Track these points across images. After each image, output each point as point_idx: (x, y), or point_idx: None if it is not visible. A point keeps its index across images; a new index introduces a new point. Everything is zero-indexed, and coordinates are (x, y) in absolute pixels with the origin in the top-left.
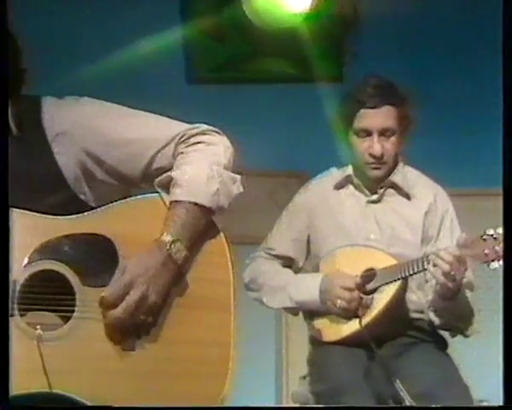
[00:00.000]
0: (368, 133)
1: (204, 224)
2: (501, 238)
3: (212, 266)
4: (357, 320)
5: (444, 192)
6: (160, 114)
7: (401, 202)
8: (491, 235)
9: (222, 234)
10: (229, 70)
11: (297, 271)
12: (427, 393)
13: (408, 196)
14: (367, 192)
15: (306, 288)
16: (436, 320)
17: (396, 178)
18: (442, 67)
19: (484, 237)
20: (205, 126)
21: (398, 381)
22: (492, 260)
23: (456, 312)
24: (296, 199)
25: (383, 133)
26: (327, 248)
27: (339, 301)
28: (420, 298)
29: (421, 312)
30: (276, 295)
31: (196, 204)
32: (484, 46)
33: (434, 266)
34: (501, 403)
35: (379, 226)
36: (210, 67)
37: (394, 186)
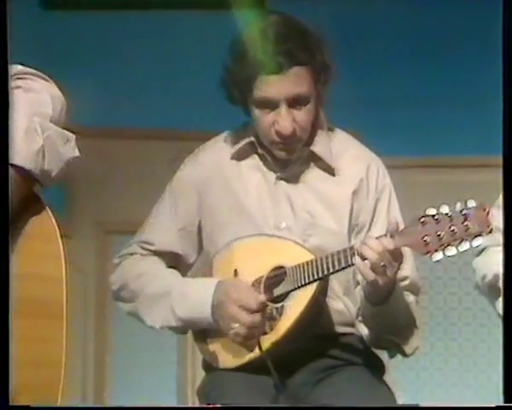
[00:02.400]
0: (273, 104)
1: (24, 195)
2: (447, 220)
3: (35, 257)
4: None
5: (380, 163)
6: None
7: (322, 179)
8: (433, 216)
9: (48, 210)
10: None
11: (187, 271)
12: None
13: (331, 171)
14: (275, 166)
15: (195, 300)
16: (367, 335)
17: (315, 147)
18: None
19: (422, 220)
20: (20, 67)
21: None
22: (435, 250)
23: (388, 321)
24: (181, 174)
25: (293, 102)
26: (223, 240)
27: (235, 327)
28: (348, 307)
29: (350, 325)
30: (156, 308)
31: (11, 165)
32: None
33: (363, 259)
34: (501, 403)
35: (293, 211)
36: None
37: (313, 158)
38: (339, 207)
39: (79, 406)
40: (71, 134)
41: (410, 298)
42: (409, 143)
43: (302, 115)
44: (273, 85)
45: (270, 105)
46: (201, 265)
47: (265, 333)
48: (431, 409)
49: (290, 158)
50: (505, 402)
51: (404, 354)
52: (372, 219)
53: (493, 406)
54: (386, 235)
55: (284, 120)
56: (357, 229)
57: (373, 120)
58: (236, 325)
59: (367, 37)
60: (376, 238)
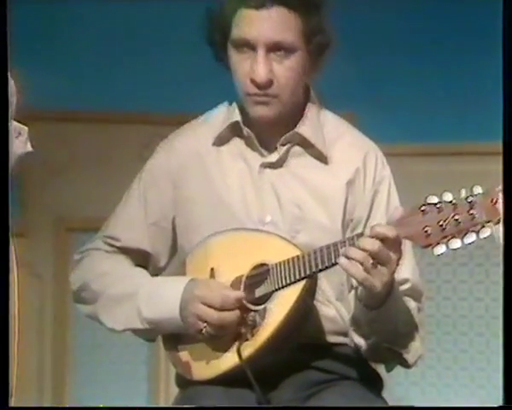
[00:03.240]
0: (251, 47)
1: None
2: (450, 209)
3: None
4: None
5: (379, 152)
6: None
7: (313, 168)
8: (435, 205)
9: None
10: None
11: (157, 273)
12: None
13: (324, 159)
14: (262, 151)
15: (164, 300)
16: (362, 345)
17: (305, 129)
18: None
19: (423, 209)
20: None
21: None
22: (438, 243)
23: (387, 327)
24: (154, 162)
25: (273, 49)
26: (200, 237)
27: (202, 326)
28: (341, 313)
29: (343, 334)
30: (120, 309)
31: None
32: None
33: (349, 257)
34: (501, 403)
35: (279, 203)
36: None
37: (303, 142)
38: (331, 200)
39: (80, 406)
40: (23, 127)
41: (412, 304)
42: (409, 129)
43: (282, 70)
44: (252, 24)
45: (248, 48)
46: (175, 269)
47: (246, 340)
48: (435, 409)
49: (276, 139)
50: (505, 403)
51: (407, 365)
52: (369, 214)
53: (494, 406)
54: (383, 224)
55: (259, 66)
56: (352, 225)
57: (369, 102)
58: (204, 324)
59: (367, 11)
60: (370, 230)
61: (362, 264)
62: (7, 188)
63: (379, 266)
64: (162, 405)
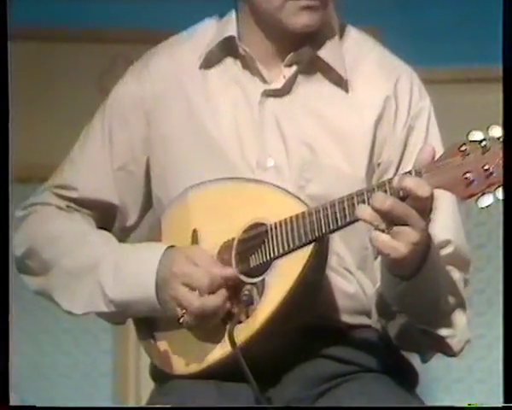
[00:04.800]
0: None
1: None
2: (498, 148)
3: None
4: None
5: (415, 76)
6: None
7: (330, 98)
8: (480, 143)
9: None
10: None
11: (126, 235)
12: None
13: (344, 86)
14: (263, 74)
15: (133, 277)
16: (391, 326)
17: (318, 46)
18: None
19: (464, 148)
20: None
21: None
22: (482, 193)
23: (423, 303)
24: (121, 90)
25: None
26: (180, 187)
27: (180, 314)
28: (363, 287)
29: (366, 314)
30: (78, 286)
31: None
32: None
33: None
34: (501, 403)
35: (284, 143)
36: None
37: (315, 63)
38: (353, 139)
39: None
40: None
41: (456, 275)
42: (450, 49)
43: None
44: None
45: None
46: (149, 230)
47: (240, 322)
48: (434, 409)
49: (282, 61)
50: (505, 403)
51: (450, 352)
52: (401, 157)
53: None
54: (410, 172)
55: None
56: (380, 171)
57: (396, 15)
58: (182, 311)
59: None
60: (396, 179)
61: (375, 226)
62: (7, 186)
63: (401, 227)
64: (131, 404)
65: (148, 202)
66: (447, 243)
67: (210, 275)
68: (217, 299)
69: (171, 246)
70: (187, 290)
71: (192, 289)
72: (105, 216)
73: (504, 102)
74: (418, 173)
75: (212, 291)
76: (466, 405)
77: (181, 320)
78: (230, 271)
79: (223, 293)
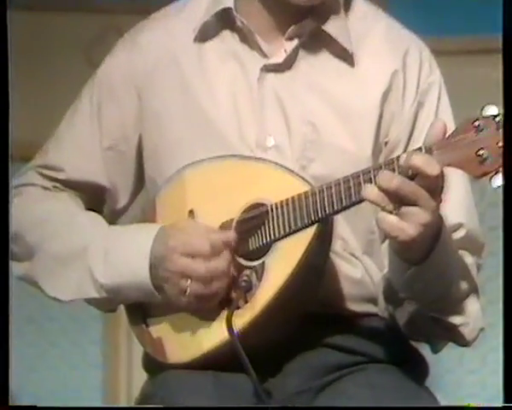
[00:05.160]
0: None
1: None
2: None
3: None
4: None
5: (424, 48)
6: None
7: (333, 72)
8: (494, 118)
9: None
10: None
11: (115, 217)
12: None
13: (349, 60)
14: (263, 48)
15: (125, 259)
16: (399, 314)
17: (321, 18)
18: None
19: (477, 123)
20: None
21: None
22: (496, 171)
23: (434, 289)
24: (110, 64)
25: None
26: (175, 166)
27: (185, 287)
28: (369, 273)
29: (373, 301)
30: (65, 271)
31: None
32: None
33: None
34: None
35: (286, 121)
36: None
37: (318, 36)
38: (359, 117)
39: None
40: None
41: (469, 259)
42: (463, 17)
43: None
44: None
45: None
46: (141, 212)
47: (238, 307)
48: (433, 409)
49: (282, 34)
50: (505, 403)
51: (463, 342)
52: (410, 135)
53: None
54: (420, 149)
55: None
56: (387, 150)
57: None
58: (187, 282)
59: None
60: (406, 157)
61: (382, 207)
62: (7, 185)
63: (410, 207)
64: (123, 398)
65: (139, 183)
66: (459, 225)
67: (210, 240)
68: (222, 261)
69: (164, 226)
70: (189, 260)
71: (193, 257)
72: (94, 198)
73: (504, 75)
74: (428, 150)
75: (214, 255)
76: (466, 405)
77: (187, 292)
78: (230, 234)
79: (226, 255)
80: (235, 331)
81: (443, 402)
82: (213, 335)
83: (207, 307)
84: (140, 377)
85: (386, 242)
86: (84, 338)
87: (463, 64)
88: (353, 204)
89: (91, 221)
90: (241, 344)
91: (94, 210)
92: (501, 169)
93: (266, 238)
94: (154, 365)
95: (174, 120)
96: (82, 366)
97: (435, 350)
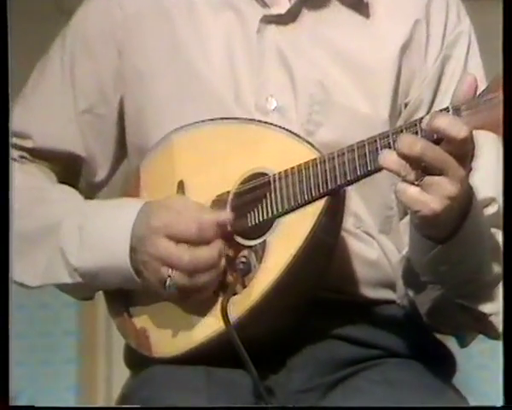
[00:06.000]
0: None
1: None
2: None
3: None
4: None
5: None
6: None
7: (344, 24)
8: None
9: None
10: None
11: (93, 191)
12: None
13: (363, 9)
14: None
15: (102, 239)
16: (421, 301)
17: None
18: None
19: None
20: None
21: None
22: None
23: (462, 272)
24: (86, 14)
25: None
26: (161, 131)
27: (166, 275)
28: (387, 253)
29: (390, 286)
30: (34, 252)
31: None
32: None
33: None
34: (501, 403)
35: (290, 79)
36: None
37: None
38: (374, 75)
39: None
40: None
41: (501, 239)
42: None
43: None
44: None
45: None
46: (124, 182)
47: (235, 293)
48: (432, 409)
49: None
50: (505, 403)
51: (495, 334)
52: (435, 95)
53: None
54: (447, 109)
55: None
56: (408, 113)
57: None
58: (168, 271)
59: None
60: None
61: (402, 177)
62: (7, 183)
63: (434, 177)
64: (101, 398)
65: (121, 152)
66: (491, 200)
67: (198, 222)
68: (211, 251)
69: (150, 202)
70: (172, 244)
71: (178, 241)
72: (68, 170)
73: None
74: (456, 111)
75: (203, 242)
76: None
77: (168, 283)
78: (224, 214)
79: (218, 243)
80: (232, 321)
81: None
82: (206, 325)
83: (194, 301)
84: (121, 373)
85: (407, 217)
86: (56, 329)
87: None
88: (369, 174)
89: (64, 196)
90: (239, 335)
91: (68, 184)
92: None
93: (268, 213)
94: (138, 359)
95: (160, 79)
96: (53, 361)
97: (463, 344)
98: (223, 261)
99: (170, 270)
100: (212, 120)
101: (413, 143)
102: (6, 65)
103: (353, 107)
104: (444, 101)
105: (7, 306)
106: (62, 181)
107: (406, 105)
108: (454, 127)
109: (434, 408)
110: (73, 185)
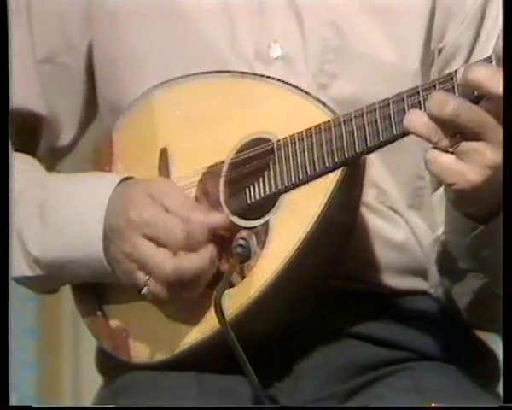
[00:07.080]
0: None
1: None
2: None
3: None
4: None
5: None
6: None
7: None
8: None
9: None
10: None
11: (57, 159)
12: None
13: None
14: None
15: (70, 221)
16: (459, 292)
17: None
18: None
19: None
20: None
21: None
22: None
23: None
24: None
25: None
26: (140, 86)
27: (143, 282)
28: (416, 234)
29: (421, 274)
30: None
31: None
32: None
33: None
34: (501, 403)
35: (298, 22)
36: None
37: None
38: (401, 15)
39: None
40: None
41: None
42: None
43: None
44: None
45: None
46: (94, 150)
47: (232, 285)
48: (431, 409)
49: None
50: (505, 403)
51: None
52: (476, 39)
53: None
54: (490, 59)
55: None
56: (442, 60)
57: None
58: (145, 277)
59: None
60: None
61: (434, 143)
62: (7, 182)
63: (472, 142)
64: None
65: (90, 110)
66: None
67: (187, 224)
68: (199, 260)
69: (128, 178)
70: (152, 247)
71: (160, 245)
72: (25, 133)
73: None
74: (500, 61)
75: (190, 248)
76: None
77: (143, 291)
78: (219, 217)
79: (209, 250)
80: (228, 318)
81: None
82: (197, 324)
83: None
84: (91, 380)
85: (441, 190)
86: (15, 327)
87: None
88: (394, 139)
89: (21, 166)
90: (236, 335)
91: (24, 151)
92: None
93: (271, 188)
94: (113, 365)
95: (139, 22)
96: (11, 364)
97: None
98: (214, 267)
99: (147, 277)
100: (202, 73)
101: (444, 103)
102: (6, 65)
103: (376, 54)
104: (486, 47)
105: (7, 310)
106: (17, 148)
107: (440, 51)
108: (496, 81)
109: (435, 408)
110: (31, 153)
